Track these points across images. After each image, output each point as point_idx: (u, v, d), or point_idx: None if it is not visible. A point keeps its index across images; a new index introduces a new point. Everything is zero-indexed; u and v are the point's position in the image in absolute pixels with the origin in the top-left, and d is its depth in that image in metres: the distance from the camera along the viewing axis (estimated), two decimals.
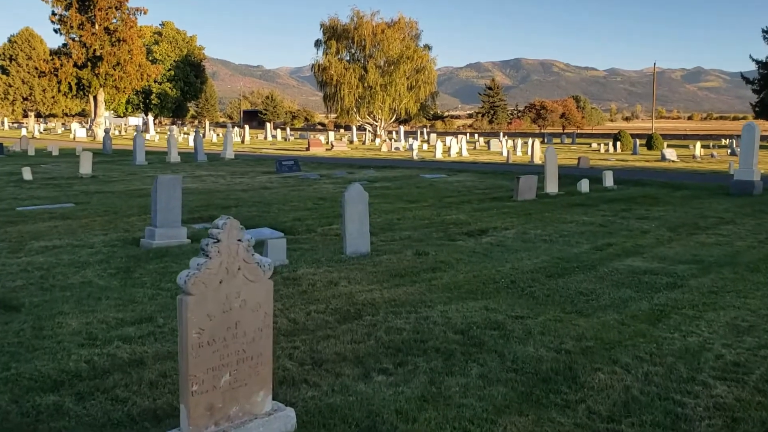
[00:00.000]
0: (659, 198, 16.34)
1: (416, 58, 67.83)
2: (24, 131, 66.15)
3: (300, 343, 5.32)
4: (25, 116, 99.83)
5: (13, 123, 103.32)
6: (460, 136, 52.54)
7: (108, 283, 7.57)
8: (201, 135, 31.94)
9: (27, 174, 21.40)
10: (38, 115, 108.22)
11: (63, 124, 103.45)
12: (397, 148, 45.76)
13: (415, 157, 34.54)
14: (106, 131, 39.08)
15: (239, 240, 3.61)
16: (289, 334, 5.62)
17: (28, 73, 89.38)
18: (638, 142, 45.91)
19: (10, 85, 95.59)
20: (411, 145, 44.92)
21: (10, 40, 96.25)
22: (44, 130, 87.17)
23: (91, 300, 6.75)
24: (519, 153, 40.13)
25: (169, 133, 31.68)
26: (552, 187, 17.02)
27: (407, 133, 70.06)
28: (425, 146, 48.35)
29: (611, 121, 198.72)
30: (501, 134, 69.56)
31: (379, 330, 5.64)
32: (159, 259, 8.91)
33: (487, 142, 52.28)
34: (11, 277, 7.81)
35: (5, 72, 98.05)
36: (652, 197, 16.49)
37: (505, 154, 38.03)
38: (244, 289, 3.64)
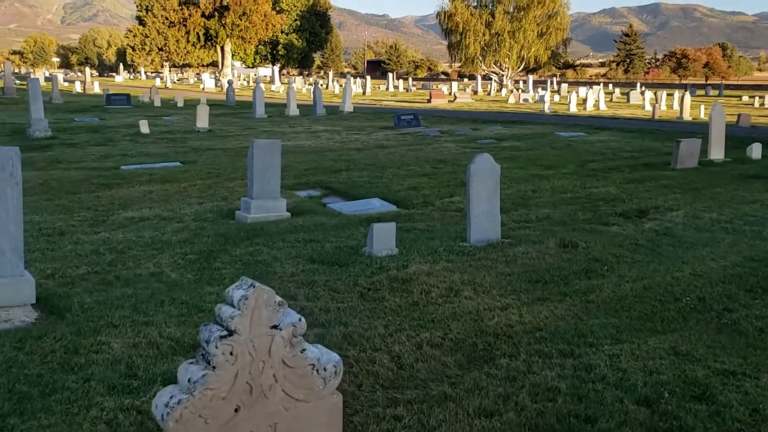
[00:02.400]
0: None
1: (548, 3, 63.34)
2: (158, 81, 68.39)
3: (404, 410, 3.64)
4: (163, 66, 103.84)
5: (152, 73, 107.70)
6: (594, 87, 48.56)
7: (181, 276, 6.26)
8: (320, 87, 30.80)
9: (144, 127, 21.02)
10: (175, 66, 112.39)
11: (197, 74, 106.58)
12: (525, 100, 42.79)
13: (546, 111, 31.76)
14: (230, 82, 38.96)
15: (274, 327, 1.91)
16: (391, 385, 3.97)
17: (163, 23, 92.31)
18: None
19: (147, 36, 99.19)
20: (541, 97, 41.83)
21: None
22: (177, 80, 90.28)
23: (153, 303, 5.42)
24: (663, 107, 36.17)
25: (289, 84, 30.74)
26: (717, 152, 14.28)
27: (536, 83, 66.13)
28: (556, 97, 45.00)
29: (760, 70, 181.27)
30: (638, 85, 64.14)
31: (520, 391, 3.86)
32: (249, 241, 7.53)
33: (626, 94, 47.96)
34: (77, 262, 6.68)
35: (142, 23, 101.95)
36: None
37: (648, 108, 34.35)
38: (285, 417, 1.96)
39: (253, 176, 8.72)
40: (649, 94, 38.60)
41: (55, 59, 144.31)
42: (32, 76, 63.96)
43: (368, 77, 62.38)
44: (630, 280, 6.07)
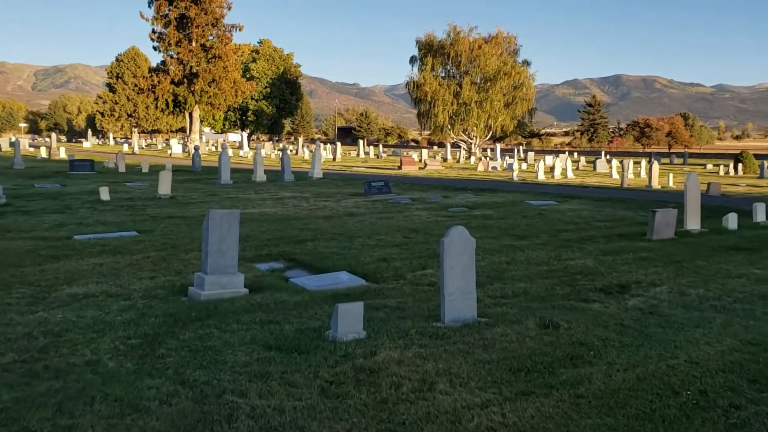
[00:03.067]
0: None
1: (514, 74, 64.92)
2: (126, 147, 67.77)
3: None
4: (132, 132, 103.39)
5: (121, 138, 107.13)
6: (561, 155, 49.16)
7: (120, 365, 5.52)
8: (288, 153, 30.44)
9: (104, 194, 20.29)
10: (144, 132, 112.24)
11: (166, 140, 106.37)
12: (494, 168, 42.99)
13: (515, 179, 31.76)
14: (196, 148, 38.49)
15: None
16: None
17: (132, 90, 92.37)
18: (766, 163, 41.13)
19: (116, 102, 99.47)
20: (510, 165, 42.09)
21: (117, 59, 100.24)
22: (146, 145, 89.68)
23: (82, 401, 4.68)
24: (631, 175, 36.54)
25: (255, 150, 30.38)
26: (694, 223, 14.03)
27: (503, 151, 67.02)
28: (524, 165, 45.34)
29: (720, 140, 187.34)
30: (603, 153, 65.31)
31: None
32: (201, 322, 6.83)
33: (592, 162, 48.62)
34: (4, 348, 5.91)
35: (112, 90, 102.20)
36: None
37: (616, 176, 34.64)
38: None
39: (208, 249, 8.08)
40: (615, 162, 39.00)
41: (23, 124, 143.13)
42: None
43: (338, 143, 62.56)
44: (621, 368, 5.50)
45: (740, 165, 43.77)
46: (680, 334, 6.57)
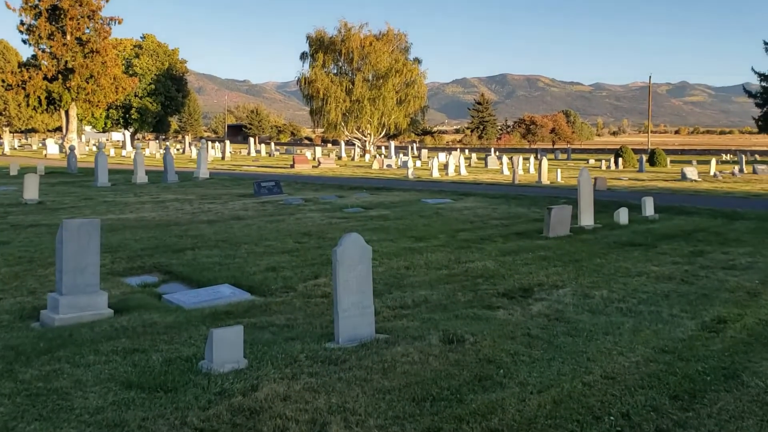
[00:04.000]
0: (722, 233, 13.31)
1: (405, 72, 65.22)
2: None
3: None
4: (3, 131, 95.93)
5: None
6: (454, 152, 49.63)
7: None
8: (172, 152, 28.71)
9: None
10: (20, 131, 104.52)
11: (42, 140, 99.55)
12: (389, 166, 42.70)
13: (410, 176, 31.48)
14: (71, 148, 35.80)
15: None
16: None
17: (3, 87, 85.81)
18: (644, 158, 43.14)
19: None
20: (404, 163, 41.96)
21: None
22: (19, 146, 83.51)
23: None
24: (521, 171, 37.20)
25: (135, 150, 28.47)
26: (587, 218, 13.99)
27: (397, 149, 67.13)
28: (418, 163, 45.32)
29: (599, 135, 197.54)
30: (492, 150, 66.78)
31: None
32: (50, 355, 5.72)
33: (484, 159, 49.37)
34: None
35: None
36: (712, 232, 13.46)
37: (507, 172, 35.13)
38: None
39: (63, 266, 6.93)
40: (505, 159, 39.63)
41: None
42: None
43: (227, 141, 60.46)
44: (535, 390, 4.93)
45: (620, 159, 45.68)
46: (591, 343, 6.12)
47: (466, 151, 71.83)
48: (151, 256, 10.45)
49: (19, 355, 5.72)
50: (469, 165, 45.93)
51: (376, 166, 42.35)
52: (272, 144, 77.27)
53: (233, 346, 5.40)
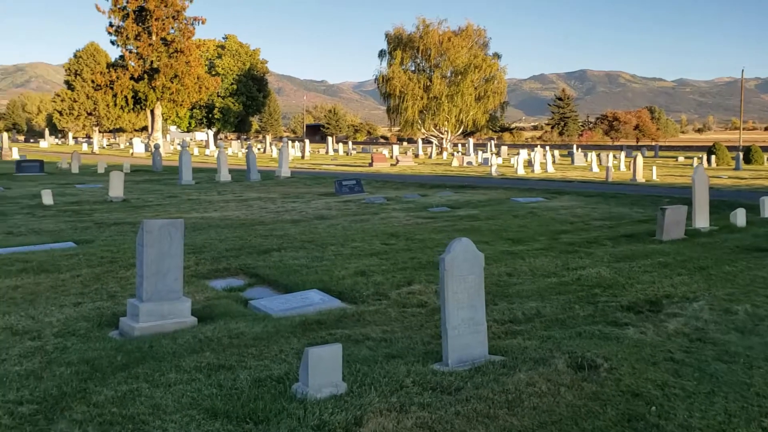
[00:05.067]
0: None
1: (485, 67, 63.85)
2: (85, 146, 65.01)
3: None
4: (93, 131, 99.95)
5: (82, 138, 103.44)
6: (538, 149, 47.99)
7: None
8: (254, 151, 28.61)
9: (47, 198, 18.33)
10: (107, 131, 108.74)
11: (129, 139, 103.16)
12: (469, 163, 41.62)
13: (493, 174, 30.33)
14: (156, 146, 36.40)
15: None
16: None
17: (92, 87, 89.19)
18: (740, 155, 40.38)
19: (75, 100, 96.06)
20: (486, 160, 40.74)
21: (75, 56, 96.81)
22: (107, 145, 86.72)
23: None
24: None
25: (218, 149, 28.51)
26: (702, 220, 12.65)
27: (475, 146, 65.77)
28: (499, 160, 44.00)
29: (683, 132, 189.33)
30: (575, 146, 64.44)
31: None
32: (127, 372, 5.14)
33: (567, 156, 47.53)
34: None
35: (71, 87, 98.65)
36: None
37: (596, 169, 33.46)
38: None
39: (144, 270, 6.39)
40: (593, 156, 37.83)
41: None
42: None
43: (307, 141, 60.65)
44: None
45: (713, 157, 43.01)
46: (753, 372, 5.07)
47: (547, 147, 69.69)
48: (237, 258, 9.91)
49: (95, 372, 5.16)
50: (554, 162, 44.25)
51: (455, 163, 41.32)
52: (349, 143, 77.24)
53: (331, 368, 4.66)
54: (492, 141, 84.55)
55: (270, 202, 18.83)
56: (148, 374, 5.08)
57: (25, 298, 7.53)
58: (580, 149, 55.47)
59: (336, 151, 66.59)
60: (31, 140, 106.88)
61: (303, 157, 52.12)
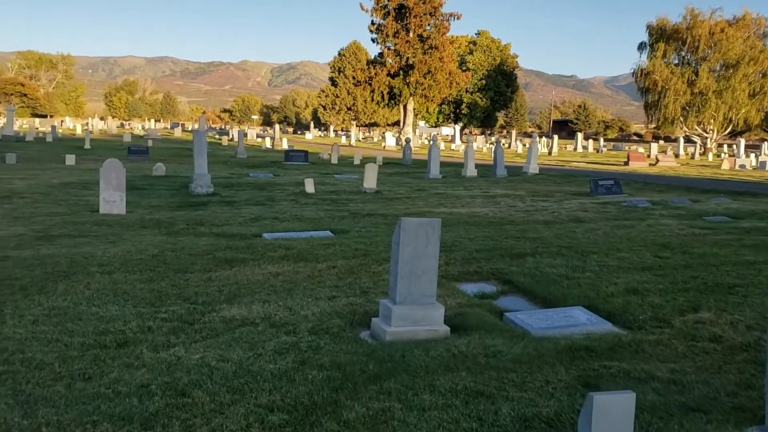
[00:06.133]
0: None
1: (762, 60, 56.33)
2: (343, 139, 69.58)
3: None
4: (351, 125, 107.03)
5: (341, 131, 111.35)
6: None
7: None
8: (501, 146, 27.94)
9: (309, 186, 19.39)
10: (363, 125, 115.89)
11: (382, 133, 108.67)
12: (742, 166, 36.93)
13: None
14: (407, 140, 37.39)
15: None
16: None
17: (352, 83, 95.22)
18: None
19: (337, 96, 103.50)
20: (764, 164, 35.86)
21: (339, 54, 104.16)
22: (363, 138, 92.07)
23: None
24: None
25: (466, 143, 28.31)
26: None
27: (746, 147, 58.49)
28: None
29: None
30: None
31: None
32: (379, 384, 4.70)
33: None
34: (98, 414, 4.20)
35: (334, 83, 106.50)
36: None
37: None
38: None
39: (399, 270, 5.95)
40: None
41: (255, 117, 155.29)
42: (231, 131, 67.63)
43: (555, 136, 58.59)
44: None
45: None
46: None
47: None
48: (488, 260, 9.25)
49: (346, 380, 4.78)
50: None
51: (725, 165, 36.90)
52: (600, 139, 73.30)
53: (621, 420, 3.73)
54: (766, 142, 74.74)
55: (519, 200, 18.00)
56: (401, 391, 4.58)
57: (284, 286, 7.59)
58: None
59: (585, 147, 63.65)
60: (298, 132, 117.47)
61: (550, 153, 50.40)
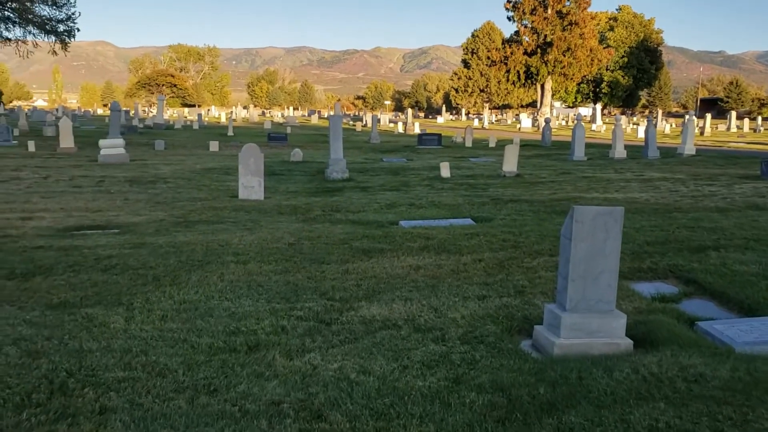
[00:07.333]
0: None
1: None
2: (476, 122, 68.07)
3: None
4: (484, 107, 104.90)
5: (473, 114, 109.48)
6: None
7: None
8: (653, 125, 25.69)
9: (445, 170, 18.53)
10: (495, 108, 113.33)
11: (516, 115, 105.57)
12: None
13: None
14: (547, 120, 35.55)
15: None
16: None
17: (486, 64, 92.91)
18: None
19: (470, 78, 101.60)
20: None
21: (473, 35, 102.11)
22: (495, 121, 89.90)
23: None
24: None
25: (615, 123, 26.30)
26: None
27: None
28: None
29: None
30: None
31: None
32: (554, 417, 3.76)
33: None
34: None
35: (467, 65, 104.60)
36: None
37: None
38: None
39: (570, 270, 4.95)
40: None
41: (387, 102, 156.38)
42: (364, 117, 68.10)
43: (708, 115, 53.97)
44: None
45: None
46: None
47: None
48: (662, 255, 7.96)
49: (513, 409, 3.88)
50: None
51: None
52: (759, 118, 66.87)
53: None
54: None
55: (680, 184, 16.18)
56: (586, 428, 3.62)
57: (426, 282, 6.78)
58: None
59: (739, 127, 58.24)
60: (429, 116, 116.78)
61: (702, 133, 46.41)
